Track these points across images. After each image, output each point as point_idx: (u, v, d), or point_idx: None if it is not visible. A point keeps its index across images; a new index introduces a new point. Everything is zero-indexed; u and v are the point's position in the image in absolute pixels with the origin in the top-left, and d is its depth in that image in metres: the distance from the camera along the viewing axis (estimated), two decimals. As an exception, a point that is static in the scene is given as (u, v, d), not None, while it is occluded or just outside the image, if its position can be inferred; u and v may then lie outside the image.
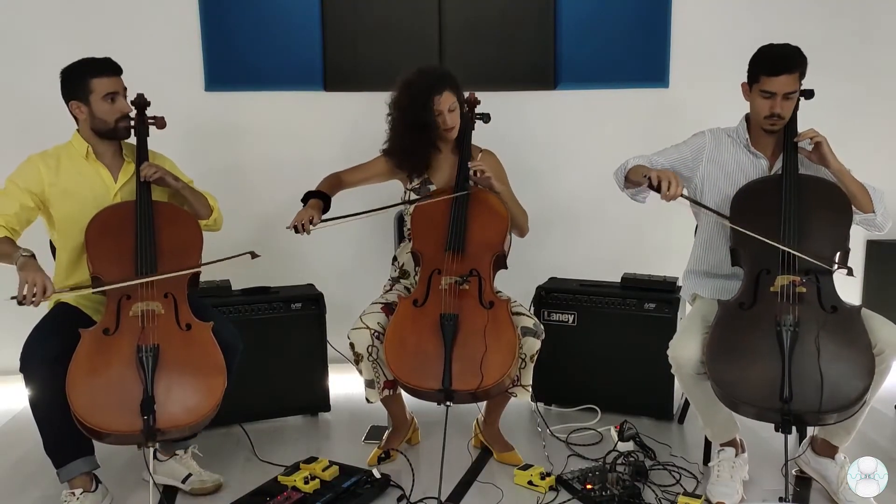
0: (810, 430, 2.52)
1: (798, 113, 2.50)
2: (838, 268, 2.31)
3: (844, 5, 3.71)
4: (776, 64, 2.39)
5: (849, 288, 3.22)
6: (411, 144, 2.79)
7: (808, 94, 2.51)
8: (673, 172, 2.36)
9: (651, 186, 2.34)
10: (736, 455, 2.50)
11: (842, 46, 3.72)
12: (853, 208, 2.40)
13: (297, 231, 2.57)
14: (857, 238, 3.81)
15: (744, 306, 2.34)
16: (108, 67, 2.48)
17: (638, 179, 2.46)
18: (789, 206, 2.37)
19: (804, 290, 2.28)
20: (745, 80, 2.49)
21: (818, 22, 3.69)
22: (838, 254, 2.36)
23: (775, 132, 2.48)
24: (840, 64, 3.71)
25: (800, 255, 2.28)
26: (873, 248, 3.82)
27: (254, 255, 2.43)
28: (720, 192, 2.55)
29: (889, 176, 3.29)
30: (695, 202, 2.47)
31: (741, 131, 2.56)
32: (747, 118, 2.56)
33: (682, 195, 2.33)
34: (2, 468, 2.81)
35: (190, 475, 2.55)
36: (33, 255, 2.28)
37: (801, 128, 2.48)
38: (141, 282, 2.36)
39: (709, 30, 3.65)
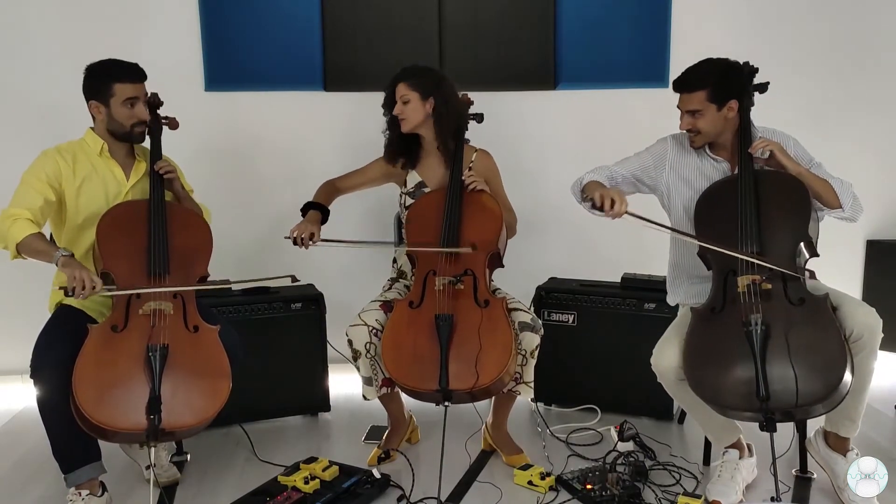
0: (812, 424, 2.52)
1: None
2: (800, 269, 2.31)
3: (841, 9, 3.70)
4: (675, 82, 2.50)
5: (848, 288, 3.22)
6: (392, 134, 2.86)
7: (762, 87, 2.52)
8: (618, 191, 2.38)
9: (594, 207, 2.37)
10: (740, 457, 2.49)
11: (836, 49, 3.72)
12: (821, 205, 2.41)
13: (295, 244, 2.61)
14: (857, 238, 3.82)
15: (715, 310, 2.35)
16: (134, 73, 2.49)
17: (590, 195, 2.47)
18: (745, 205, 2.38)
19: (769, 286, 2.28)
20: None
21: (816, 22, 3.69)
22: (801, 244, 2.36)
23: (695, 147, 2.53)
24: (837, 65, 3.71)
25: (757, 261, 2.29)
26: (873, 247, 3.81)
27: (294, 280, 2.49)
28: (684, 200, 2.58)
29: (869, 175, 3.29)
30: (642, 219, 2.38)
31: None
32: None
33: (626, 212, 2.33)
34: (2, 468, 2.81)
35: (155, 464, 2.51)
36: (73, 255, 2.29)
37: (757, 122, 2.51)
38: (175, 290, 2.37)
39: (709, 30, 3.65)
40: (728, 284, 2.35)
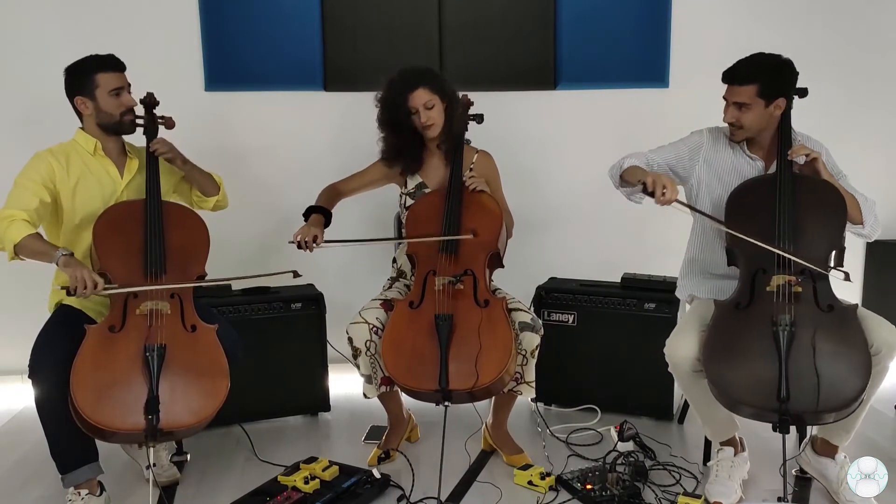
0: (810, 430, 2.52)
1: (794, 114, 2.50)
2: (833, 269, 2.30)
3: (843, 8, 3.70)
4: (726, 73, 2.45)
5: (848, 288, 3.21)
6: (397, 143, 2.82)
7: (802, 92, 2.50)
8: (669, 177, 2.34)
9: (645, 191, 2.34)
10: (735, 454, 2.50)
11: (838, 49, 3.72)
12: None
13: (300, 247, 2.60)
14: (858, 238, 3.81)
15: (740, 306, 2.33)
16: (113, 63, 2.51)
17: (633, 181, 2.44)
18: (783, 205, 2.36)
19: (800, 289, 2.27)
20: None
21: (817, 23, 3.69)
22: (833, 252, 2.35)
23: (735, 141, 2.51)
24: (835, 66, 3.71)
25: (795, 258, 2.28)
26: (873, 248, 3.81)
27: (296, 275, 2.45)
28: (713, 195, 2.56)
29: (870, 175, 3.27)
30: (689, 207, 2.43)
31: None
32: None
33: (676, 200, 2.32)
34: (2, 468, 2.81)
35: (155, 464, 2.49)
36: (73, 254, 2.28)
37: (796, 126, 2.50)
38: (175, 287, 2.37)
39: (709, 30, 3.65)
40: (756, 282, 2.34)
